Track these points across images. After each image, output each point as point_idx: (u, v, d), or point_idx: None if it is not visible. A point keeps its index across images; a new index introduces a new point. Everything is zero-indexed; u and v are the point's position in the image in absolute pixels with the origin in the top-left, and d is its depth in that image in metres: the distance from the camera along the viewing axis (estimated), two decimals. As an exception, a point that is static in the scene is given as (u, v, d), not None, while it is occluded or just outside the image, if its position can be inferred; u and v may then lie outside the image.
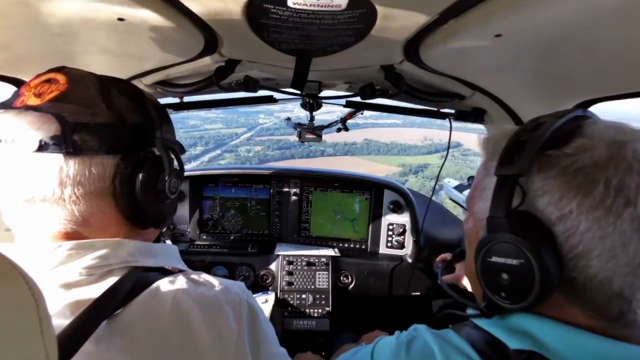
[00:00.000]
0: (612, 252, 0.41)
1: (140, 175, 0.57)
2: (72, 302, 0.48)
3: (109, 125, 0.54)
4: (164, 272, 0.58)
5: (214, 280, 0.58)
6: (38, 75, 0.54)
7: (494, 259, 0.48)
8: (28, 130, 0.49)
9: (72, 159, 0.51)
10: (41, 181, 0.50)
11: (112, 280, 0.51)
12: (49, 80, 0.53)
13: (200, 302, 0.52)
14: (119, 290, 0.50)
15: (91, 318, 0.46)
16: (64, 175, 0.51)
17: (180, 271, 0.60)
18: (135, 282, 0.52)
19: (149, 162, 0.58)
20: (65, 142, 0.50)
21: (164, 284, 0.53)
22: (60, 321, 0.44)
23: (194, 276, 0.57)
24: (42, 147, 0.49)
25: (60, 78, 0.53)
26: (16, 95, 0.53)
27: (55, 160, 0.50)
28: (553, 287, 0.45)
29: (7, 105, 0.52)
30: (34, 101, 0.51)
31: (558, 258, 0.44)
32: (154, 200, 0.60)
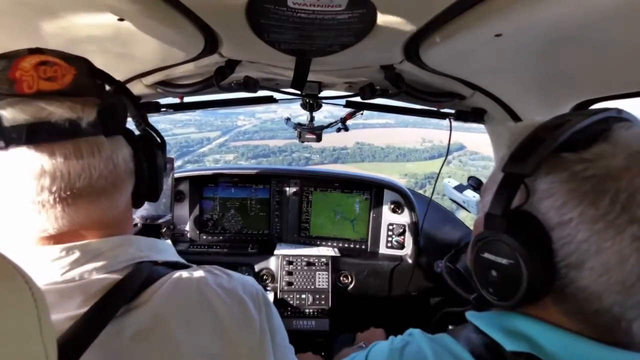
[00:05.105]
0: (605, 267, 0.39)
1: (148, 152, 0.59)
2: (90, 302, 0.46)
3: (114, 105, 0.54)
4: (171, 266, 0.58)
5: (230, 272, 0.59)
6: (15, 59, 0.47)
7: (486, 255, 0.48)
8: (71, 115, 0.47)
9: (108, 140, 0.51)
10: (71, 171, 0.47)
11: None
12: (45, 63, 0.47)
13: (222, 292, 0.53)
14: (131, 282, 0.49)
15: (104, 311, 0.45)
16: (104, 158, 0.49)
17: (185, 266, 0.60)
18: (149, 274, 0.51)
19: (144, 137, 0.61)
20: (103, 124, 0.49)
21: (184, 275, 0.53)
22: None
23: (210, 268, 0.58)
24: (85, 131, 0.47)
25: (56, 60, 0.48)
26: (10, 82, 0.45)
27: (94, 144, 0.49)
28: (541, 292, 0.44)
29: (13, 94, 0.45)
30: (51, 85, 0.46)
31: (550, 264, 0.43)
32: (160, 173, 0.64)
